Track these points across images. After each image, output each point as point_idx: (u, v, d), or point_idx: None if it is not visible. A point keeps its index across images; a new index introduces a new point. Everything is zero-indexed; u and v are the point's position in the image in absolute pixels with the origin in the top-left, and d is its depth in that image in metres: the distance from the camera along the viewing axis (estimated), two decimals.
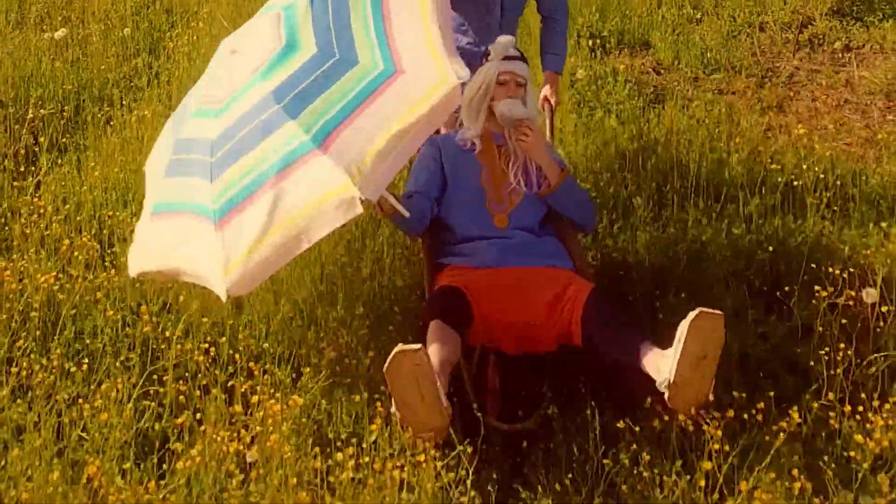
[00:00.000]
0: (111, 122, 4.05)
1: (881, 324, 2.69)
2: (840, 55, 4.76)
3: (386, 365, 2.36)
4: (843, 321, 2.67)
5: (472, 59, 3.23)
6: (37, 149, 3.83)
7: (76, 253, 2.92)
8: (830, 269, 2.78)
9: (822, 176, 3.41)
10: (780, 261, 3.05)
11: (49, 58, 4.46)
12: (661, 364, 2.46)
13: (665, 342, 2.43)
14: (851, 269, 2.78)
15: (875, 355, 2.53)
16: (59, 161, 3.79)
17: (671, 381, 2.38)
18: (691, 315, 2.33)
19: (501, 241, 2.98)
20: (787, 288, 2.82)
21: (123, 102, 4.17)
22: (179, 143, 2.93)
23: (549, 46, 3.62)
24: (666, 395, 2.38)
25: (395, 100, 2.77)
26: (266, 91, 2.82)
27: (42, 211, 3.26)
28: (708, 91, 4.48)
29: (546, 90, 3.54)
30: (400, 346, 2.36)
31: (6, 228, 3.24)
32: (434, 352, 2.57)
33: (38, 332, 2.70)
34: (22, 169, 3.68)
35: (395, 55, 2.85)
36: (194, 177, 2.79)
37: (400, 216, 2.83)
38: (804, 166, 3.49)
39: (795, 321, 2.76)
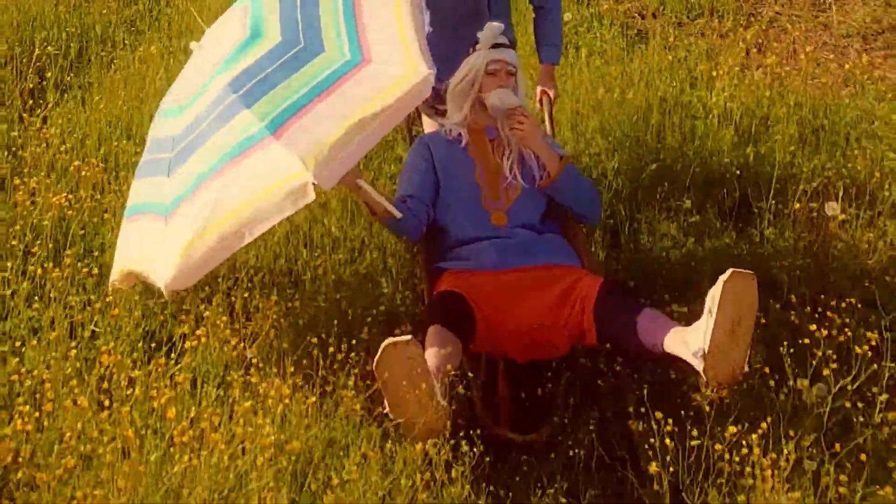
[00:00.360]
0: (114, 62, 4.15)
1: (843, 233, 2.83)
2: (820, 1, 4.86)
3: (375, 359, 2.22)
4: (805, 233, 2.80)
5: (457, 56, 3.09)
6: (43, 84, 3.95)
7: (84, 173, 3.01)
8: (797, 188, 2.91)
9: (794, 108, 3.55)
10: (748, 184, 3.14)
11: (52, 3, 4.55)
12: (689, 338, 2.29)
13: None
14: (815, 186, 2.93)
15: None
16: (66, 97, 3.89)
17: (706, 350, 2.20)
18: (724, 276, 2.18)
19: (501, 241, 2.81)
20: (755, 206, 2.96)
21: (126, 43, 4.27)
22: (151, 144, 2.91)
23: (544, 37, 3.45)
24: (701, 367, 2.20)
25: (359, 89, 2.68)
26: (224, 82, 2.77)
27: (50, 141, 3.36)
28: (691, 34, 4.58)
29: (545, 84, 3.42)
30: (389, 339, 2.21)
31: (18, 155, 3.34)
32: (431, 355, 2.39)
33: (49, 246, 2.75)
34: (30, 103, 3.78)
35: (364, 45, 2.78)
36: (157, 175, 2.75)
37: (394, 221, 2.73)
38: (778, 100, 3.62)
39: (763, 234, 2.87)
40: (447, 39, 3.12)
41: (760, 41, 4.42)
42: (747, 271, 2.19)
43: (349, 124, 2.50)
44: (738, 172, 3.20)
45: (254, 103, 2.62)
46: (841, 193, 2.95)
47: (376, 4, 2.90)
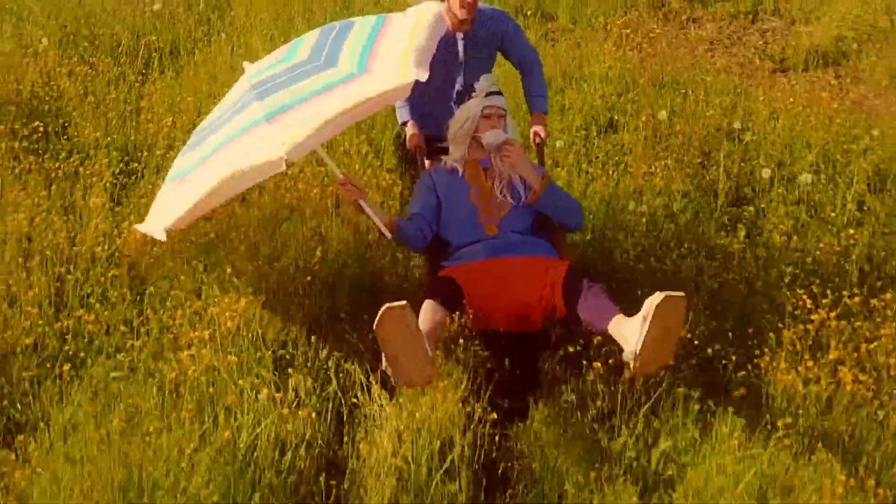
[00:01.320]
0: (193, 58, 5.31)
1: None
2: (685, 23, 6.08)
3: (375, 322, 2.32)
4: None
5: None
6: (150, 67, 5.18)
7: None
8: None
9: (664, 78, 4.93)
10: None
11: (152, 22, 5.78)
12: (628, 334, 2.44)
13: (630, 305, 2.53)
14: None
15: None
16: (163, 75, 5.08)
17: (636, 352, 2.36)
18: (658, 299, 2.30)
19: (492, 240, 2.98)
20: None
21: (198, 48, 5.46)
22: (195, 131, 3.26)
23: (532, 90, 3.61)
24: (631, 365, 2.37)
25: (349, 91, 2.81)
26: (250, 85, 3.02)
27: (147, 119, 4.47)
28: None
29: (537, 127, 3.54)
30: (387, 304, 2.31)
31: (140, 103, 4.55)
32: (423, 320, 2.53)
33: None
34: (141, 78, 5.01)
35: (370, 62, 2.91)
36: (187, 152, 3.05)
37: (396, 235, 2.92)
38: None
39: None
40: (428, 99, 3.42)
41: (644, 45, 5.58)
42: (679, 294, 2.33)
43: (330, 115, 2.70)
44: None
45: (264, 98, 2.85)
46: None
47: (397, 29, 3.08)
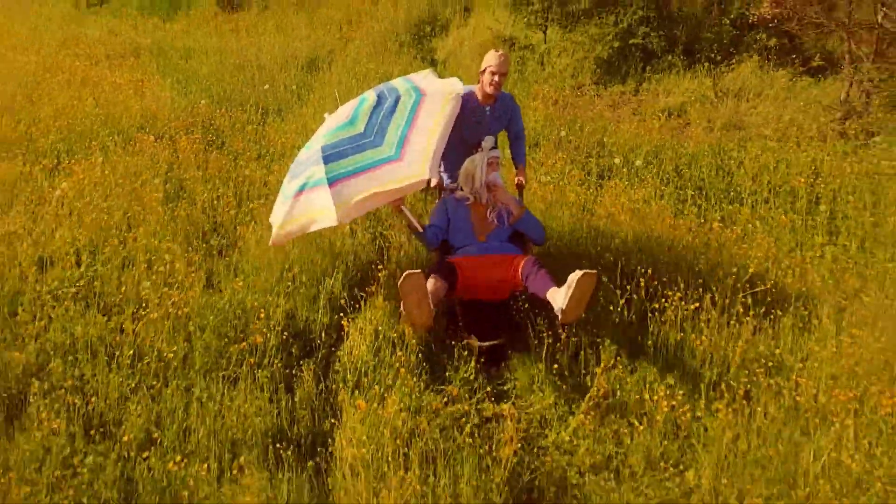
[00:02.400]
0: (290, 113, 7.71)
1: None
2: (592, 96, 8.32)
3: (400, 281, 3.07)
4: None
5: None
6: (265, 117, 7.51)
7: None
8: None
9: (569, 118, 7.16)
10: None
11: (265, 94, 8.22)
12: (557, 298, 3.17)
13: (561, 281, 3.26)
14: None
15: None
16: (272, 120, 7.42)
17: (563, 309, 3.12)
18: (578, 275, 3.07)
19: (482, 244, 3.75)
20: None
21: (293, 109, 7.85)
22: (294, 162, 3.98)
23: (518, 152, 4.37)
24: (559, 317, 3.20)
25: (385, 174, 3.40)
26: (322, 144, 3.62)
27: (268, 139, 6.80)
28: None
29: (520, 177, 4.30)
30: (408, 271, 3.04)
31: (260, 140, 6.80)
32: (429, 285, 3.25)
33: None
34: (259, 122, 7.35)
35: (404, 149, 3.47)
36: (290, 181, 3.77)
37: (419, 235, 3.75)
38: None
39: None
40: (457, 152, 4.03)
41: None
42: (593, 272, 3.15)
43: (367, 194, 3.37)
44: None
45: (329, 163, 3.49)
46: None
47: (426, 117, 3.61)
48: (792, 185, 5.59)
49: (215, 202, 5.08)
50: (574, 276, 3.07)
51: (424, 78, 4.18)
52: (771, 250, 4.54)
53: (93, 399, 3.19)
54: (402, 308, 3.30)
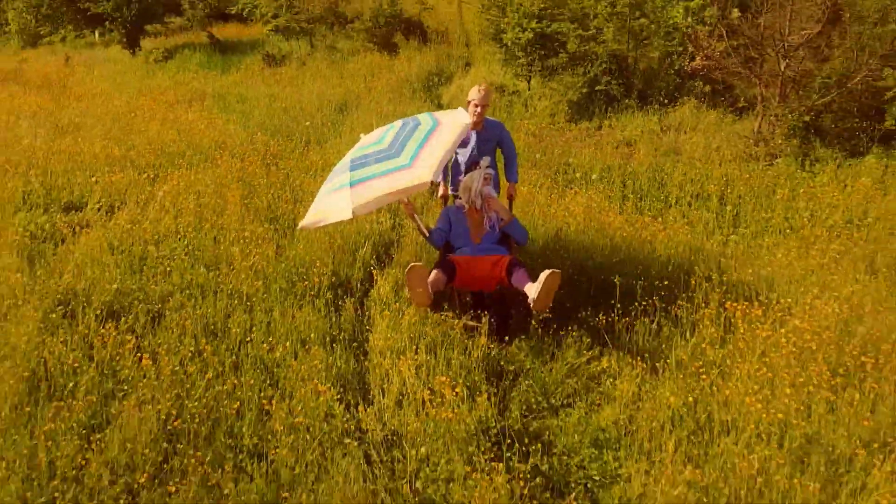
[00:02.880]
0: (329, 140, 9.15)
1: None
2: (563, 130, 9.77)
3: (406, 270, 3.80)
4: None
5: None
6: (308, 146, 8.96)
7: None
8: None
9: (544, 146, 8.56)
10: None
11: (307, 128, 9.68)
12: (531, 291, 3.81)
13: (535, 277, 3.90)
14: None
15: None
16: (316, 148, 8.86)
17: (534, 299, 3.76)
18: (546, 273, 3.70)
19: (476, 246, 4.35)
20: None
21: (330, 139, 9.31)
22: (334, 169, 4.71)
23: (510, 169, 4.81)
24: (532, 305, 3.85)
25: (397, 178, 3.91)
26: (352, 157, 4.36)
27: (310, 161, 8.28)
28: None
29: (511, 190, 4.83)
30: (413, 262, 3.79)
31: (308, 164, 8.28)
32: (432, 276, 3.94)
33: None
34: (303, 149, 8.77)
35: (418, 157, 3.95)
36: (327, 183, 4.49)
37: (427, 237, 4.42)
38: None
39: None
40: (458, 170, 4.73)
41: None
42: (557, 271, 3.78)
43: (382, 193, 3.95)
44: None
45: (354, 171, 4.12)
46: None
47: (437, 139, 4.06)
48: (708, 192, 6.95)
49: (276, 201, 6.46)
50: (543, 274, 3.73)
51: (444, 113, 4.70)
52: (687, 236, 5.90)
53: (206, 315, 4.54)
54: (407, 290, 4.06)
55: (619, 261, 5.14)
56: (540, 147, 8.65)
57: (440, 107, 10.93)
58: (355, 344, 4.34)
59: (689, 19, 9.65)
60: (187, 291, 4.75)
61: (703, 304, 4.40)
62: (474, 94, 4.59)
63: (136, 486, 3.03)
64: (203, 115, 10.18)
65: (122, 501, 2.95)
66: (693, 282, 4.69)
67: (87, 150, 7.82)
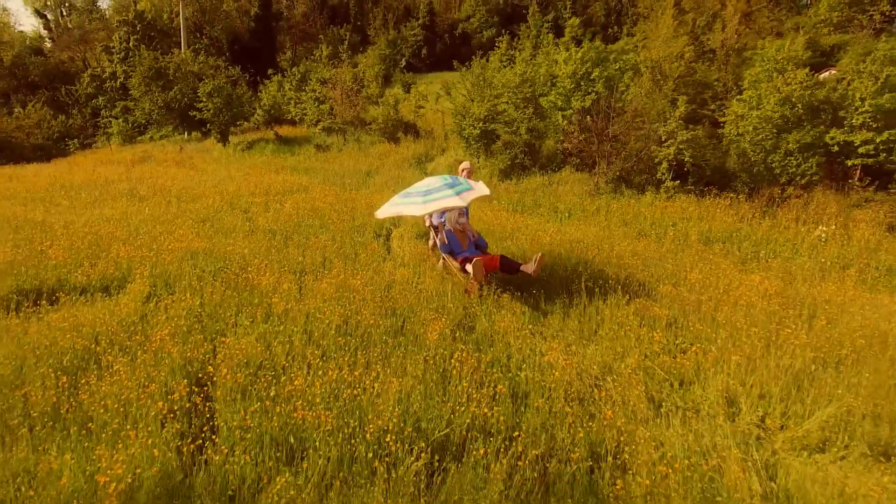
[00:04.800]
0: (360, 190, 15.20)
1: None
2: (520, 180, 15.92)
3: (472, 262, 6.16)
4: None
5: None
6: (348, 191, 15.02)
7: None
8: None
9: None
10: None
11: (346, 181, 15.77)
12: (528, 267, 6.21)
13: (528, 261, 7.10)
14: None
15: None
16: (353, 194, 14.92)
17: (534, 270, 6.16)
18: (538, 255, 6.17)
19: (465, 252, 6.78)
20: None
21: (363, 187, 15.39)
22: (402, 195, 6.62)
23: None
24: (531, 273, 6.16)
25: (447, 199, 6.04)
26: (422, 190, 6.35)
27: (352, 199, 14.41)
28: None
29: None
30: (476, 258, 6.17)
31: (351, 202, 14.37)
32: (468, 267, 6.39)
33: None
34: (347, 192, 14.84)
35: (461, 195, 6.17)
36: (399, 198, 6.55)
37: (444, 245, 6.77)
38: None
39: None
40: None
41: None
42: (541, 254, 6.30)
43: (438, 205, 6.04)
44: None
45: (427, 195, 6.21)
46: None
47: (474, 191, 6.46)
48: (571, 209, 13.00)
49: (342, 217, 12.42)
50: (536, 255, 6.21)
51: (475, 183, 6.88)
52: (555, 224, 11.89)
53: (324, 238, 10.37)
54: (472, 274, 6.19)
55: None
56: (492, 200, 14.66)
57: (426, 173, 17.06)
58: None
59: (564, 122, 16.03)
60: (308, 227, 10.61)
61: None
62: (465, 164, 7.71)
63: None
64: (286, 176, 16.06)
65: None
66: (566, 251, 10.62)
67: (243, 188, 13.76)
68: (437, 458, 3.52)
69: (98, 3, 51.48)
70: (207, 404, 3.96)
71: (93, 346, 4.64)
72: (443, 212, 7.03)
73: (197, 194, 12.58)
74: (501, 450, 3.59)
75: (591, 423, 4.04)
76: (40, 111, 33.36)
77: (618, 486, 3.44)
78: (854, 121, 13.44)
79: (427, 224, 7.71)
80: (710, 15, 31.80)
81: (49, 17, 51.17)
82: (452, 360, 4.64)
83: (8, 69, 38.67)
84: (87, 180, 14.91)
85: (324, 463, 3.35)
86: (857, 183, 13.65)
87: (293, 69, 28.51)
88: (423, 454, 3.46)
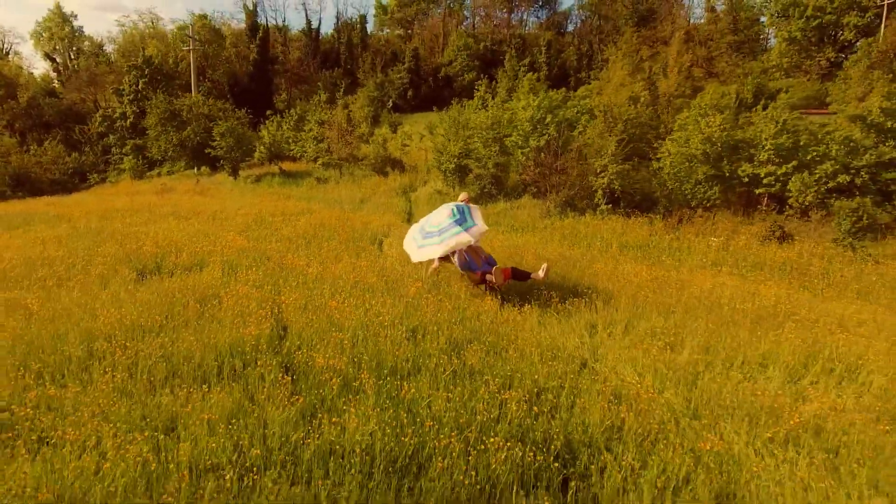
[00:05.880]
0: (356, 213, 18.64)
1: None
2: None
3: (493, 269, 8.18)
4: None
5: None
6: (347, 211, 18.48)
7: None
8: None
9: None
10: None
11: (344, 206, 19.20)
12: (539, 275, 8.11)
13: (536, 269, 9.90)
14: None
15: None
16: (351, 214, 18.37)
17: (543, 277, 8.15)
18: (545, 264, 8.26)
19: (482, 267, 8.47)
20: None
21: (358, 210, 18.80)
22: (418, 228, 9.43)
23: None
24: (541, 278, 8.16)
25: (459, 237, 8.33)
26: (437, 228, 8.78)
27: (352, 218, 17.87)
28: None
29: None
30: (496, 266, 8.33)
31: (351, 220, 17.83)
32: (487, 277, 8.35)
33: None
34: (347, 215, 18.29)
35: (469, 230, 8.55)
36: (420, 237, 9.10)
37: (466, 261, 8.60)
38: None
39: None
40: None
41: None
42: (547, 263, 8.75)
43: (446, 248, 8.52)
44: None
45: (442, 234, 8.62)
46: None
47: (479, 226, 8.79)
48: (522, 229, 16.44)
49: (345, 230, 15.75)
50: (544, 264, 8.01)
51: (479, 217, 8.93)
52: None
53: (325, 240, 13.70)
54: (493, 278, 7.90)
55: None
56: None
57: (410, 202, 20.52)
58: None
59: (523, 158, 19.69)
60: (321, 236, 13.92)
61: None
62: (463, 195, 9.69)
63: None
64: (294, 202, 19.41)
65: None
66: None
67: (263, 211, 17.05)
68: (412, 332, 6.80)
69: (104, 48, 55.33)
70: (283, 315, 7.22)
71: (199, 294, 7.90)
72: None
73: (228, 215, 15.90)
74: (442, 332, 6.86)
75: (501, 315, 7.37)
76: (55, 148, 36.69)
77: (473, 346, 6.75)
78: (761, 157, 17.07)
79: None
80: (663, 64, 36.11)
81: (58, 59, 54.88)
82: (422, 301, 7.92)
83: (24, 109, 42.01)
84: (130, 206, 18.19)
85: (353, 330, 6.62)
86: (763, 207, 17.26)
87: (291, 111, 32.19)
88: (406, 330, 6.74)
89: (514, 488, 3.82)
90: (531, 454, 4.11)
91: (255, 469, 3.85)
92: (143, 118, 35.32)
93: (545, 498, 3.77)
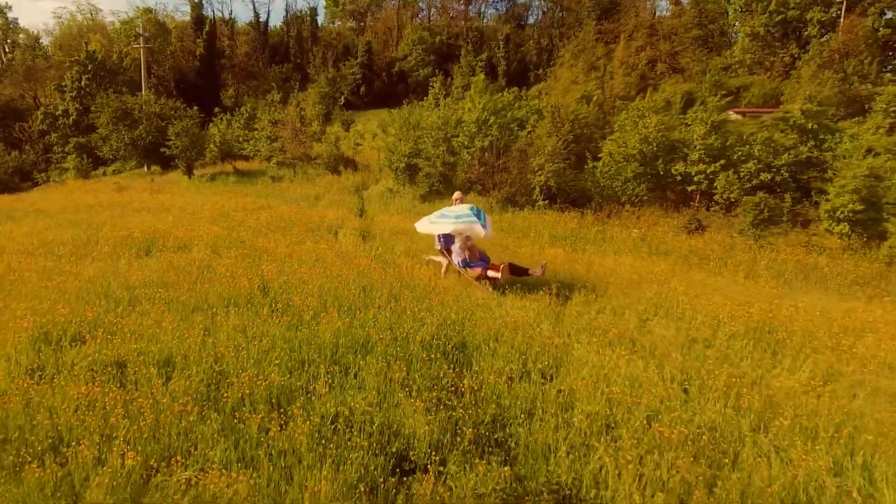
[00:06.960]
0: (314, 208, 21.74)
1: None
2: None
3: (501, 267, 10.48)
4: None
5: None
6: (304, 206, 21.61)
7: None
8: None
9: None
10: None
11: (301, 203, 22.36)
12: (536, 270, 10.72)
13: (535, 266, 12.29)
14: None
15: None
16: (309, 209, 21.47)
17: (540, 272, 10.76)
18: (543, 260, 11.92)
19: (475, 264, 10.95)
20: None
21: (314, 206, 21.95)
22: (434, 214, 11.80)
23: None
24: (540, 274, 10.75)
25: (473, 226, 11.07)
26: (455, 215, 11.30)
27: (314, 211, 21.02)
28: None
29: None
30: (504, 264, 10.62)
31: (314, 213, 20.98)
32: (487, 273, 10.72)
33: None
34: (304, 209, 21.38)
35: (480, 223, 11.15)
36: (437, 217, 11.59)
37: (466, 258, 11.03)
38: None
39: None
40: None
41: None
42: (545, 261, 11.41)
43: (466, 227, 11.17)
44: None
45: (458, 218, 11.18)
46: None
47: (487, 225, 11.46)
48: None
49: (303, 221, 18.85)
50: (541, 262, 10.82)
51: (488, 219, 11.96)
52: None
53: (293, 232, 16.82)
54: (500, 275, 10.31)
55: None
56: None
57: (363, 199, 23.69)
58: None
59: (469, 157, 23.12)
60: (283, 227, 17.01)
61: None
62: (457, 194, 12.10)
63: None
64: (252, 199, 22.40)
65: None
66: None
67: (225, 206, 20.02)
68: (363, 289, 10.04)
69: (41, 41, 56.97)
70: (264, 278, 10.40)
71: (196, 264, 11.00)
72: (451, 236, 11.31)
73: (194, 210, 18.89)
74: (385, 288, 10.09)
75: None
76: None
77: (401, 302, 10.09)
78: (693, 156, 20.67)
79: (438, 247, 11.81)
80: (614, 64, 40.08)
81: None
82: (371, 270, 11.17)
83: None
84: (97, 203, 20.98)
85: (319, 286, 9.84)
86: (696, 204, 20.93)
87: (241, 108, 35.05)
88: (357, 287, 9.99)
89: (423, 355, 7.09)
90: (437, 343, 7.38)
91: (266, 350, 7.02)
92: (86, 116, 37.66)
93: (441, 360, 7.06)
